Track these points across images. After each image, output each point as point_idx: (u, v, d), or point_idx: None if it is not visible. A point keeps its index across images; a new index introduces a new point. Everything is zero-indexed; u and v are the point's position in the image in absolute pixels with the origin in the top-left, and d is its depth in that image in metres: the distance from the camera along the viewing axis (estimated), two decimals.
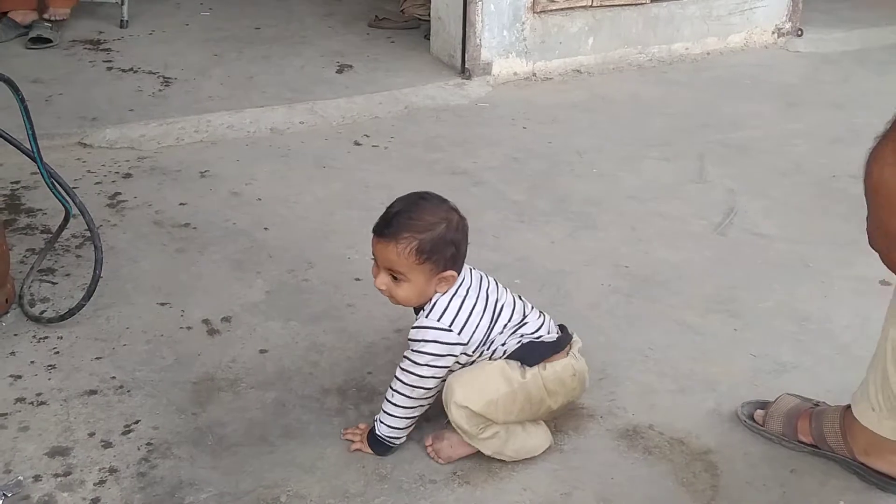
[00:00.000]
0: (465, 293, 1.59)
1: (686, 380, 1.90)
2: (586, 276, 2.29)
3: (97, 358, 1.89)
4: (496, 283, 1.67)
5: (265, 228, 2.46)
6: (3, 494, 1.52)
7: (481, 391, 1.56)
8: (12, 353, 1.90)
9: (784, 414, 1.71)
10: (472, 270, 1.66)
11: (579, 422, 1.76)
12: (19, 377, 1.83)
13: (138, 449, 1.64)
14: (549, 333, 1.65)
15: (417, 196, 1.60)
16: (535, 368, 1.61)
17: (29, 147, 1.92)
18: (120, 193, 2.61)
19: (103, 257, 2.00)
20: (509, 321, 1.62)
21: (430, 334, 1.57)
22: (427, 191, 1.63)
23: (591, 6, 3.74)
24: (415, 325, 1.60)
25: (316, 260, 2.31)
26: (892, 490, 1.60)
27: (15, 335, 1.96)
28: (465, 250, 1.60)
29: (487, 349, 1.61)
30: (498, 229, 2.50)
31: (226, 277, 2.22)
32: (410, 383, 1.58)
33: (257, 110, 3.21)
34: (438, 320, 1.57)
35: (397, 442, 1.64)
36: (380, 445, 1.63)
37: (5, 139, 1.95)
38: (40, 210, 2.49)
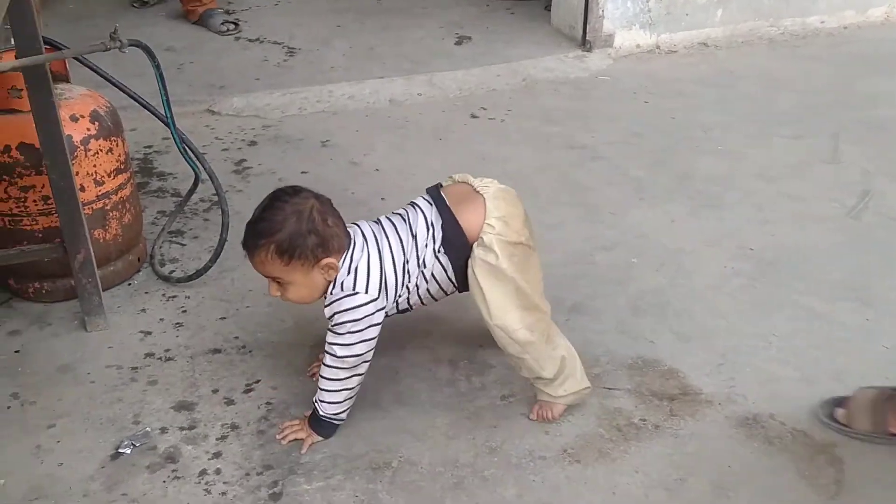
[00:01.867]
0: (359, 256, 1.55)
1: (811, 369, 1.81)
2: (707, 256, 2.21)
3: (221, 318, 1.97)
4: (390, 225, 1.61)
5: (382, 199, 2.48)
6: (132, 444, 1.61)
7: (496, 306, 1.55)
8: (143, 310, 2.00)
9: (869, 409, 1.61)
10: (364, 228, 1.61)
11: (696, 407, 1.71)
12: (149, 333, 1.92)
13: (258, 407, 1.70)
14: (433, 216, 1.60)
15: (269, 197, 1.55)
16: (478, 241, 1.56)
17: (163, 113, 2.01)
18: (245, 160, 2.70)
19: (230, 221, 2.07)
20: (407, 253, 1.58)
21: (342, 304, 1.53)
22: (280, 187, 1.57)
23: None
24: (325, 303, 1.56)
25: None
26: None
27: (146, 293, 2.07)
28: (336, 228, 1.54)
29: (410, 282, 1.59)
30: (616, 205, 2.45)
31: None
32: (339, 355, 1.54)
33: (377, 81, 3.25)
34: (342, 289, 1.53)
35: (341, 418, 1.61)
36: (325, 426, 1.60)
37: (141, 105, 2.04)
38: (171, 174, 2.60)
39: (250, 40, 3.66)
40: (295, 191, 1.55)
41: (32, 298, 2.02)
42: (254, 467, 1.56)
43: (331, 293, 1.55)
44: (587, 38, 3.51)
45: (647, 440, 1.62)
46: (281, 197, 1.53)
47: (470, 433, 1.65)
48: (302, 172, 2.63)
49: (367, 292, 1.53)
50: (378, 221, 1.64)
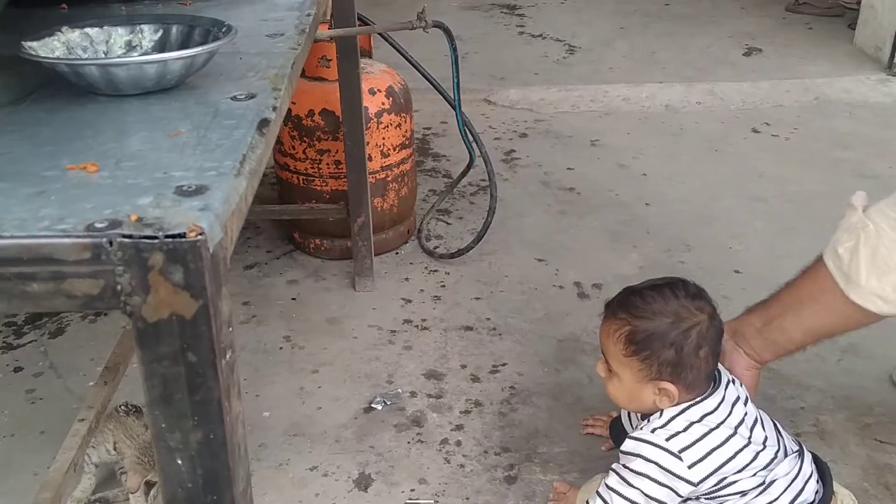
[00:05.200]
0: (713, 425, 1.24)
1: None
2: None
3: (476, 298, 2.03)
4: (755, 415, 1.30)
5: (646, 204, 2.43)
6: (384, 401, 1.70)
7: None
8: (406, 279, 2.11)
9: None
10: (730, 390, 1.29)
11: None
12: (409, 301, 2.02)
13: (502, 390, 1.73)
14: (801, 482, 1.27)
15: (665, 280, 1.32)
16: None
17: (451, 95, 2.09)
18: (514, 151, 2.76)
19: (496, 206, 2.12)
20: (752, 462, 1.25)
21: (653, 453, 1.23)
22: (685, 279, 1.32)
23: None
24: (633, 434, 1.28)
25: (695, 244, 2.23)
26: None
27: (410, 264, 2.17)
28: (703, 364, 1.25)
29: (718, 490, 1.26)
30: None
31: (602, 245, 2.24)
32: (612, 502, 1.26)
33: (655, 86, 3.18)
34: (667, 440, 1.23)
35: None
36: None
37: (433, 85, 2.14)
38: (444, 156, 2.72)
39: (533, 35, 3.72)
40: (696, 293, 1.29)
41: (312, 253, 2.20)
42: (492, 447, 1.59)
43: (645, 422, 1.29)
44: (895, 61, 3.19)
45: None
46: (676, 287, 1.29)
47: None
48: (568, 168, 2.63)
49: (679, 455, 1.23)
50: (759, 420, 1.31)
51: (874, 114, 2.99)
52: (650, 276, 2.06)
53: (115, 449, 1.42)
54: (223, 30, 0.93)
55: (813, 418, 1.64)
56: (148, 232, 0.57)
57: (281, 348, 1.87)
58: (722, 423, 1.25)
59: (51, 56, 0.89)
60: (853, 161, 2.65)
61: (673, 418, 1.25)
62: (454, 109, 2.10)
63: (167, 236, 0.57)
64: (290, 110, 2.05)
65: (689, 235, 2.27)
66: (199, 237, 0.57)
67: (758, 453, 1.25)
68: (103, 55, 0.95)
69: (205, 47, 0.87)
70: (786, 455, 1.29)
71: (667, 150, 2.75)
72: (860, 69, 3.28)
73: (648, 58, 3.44)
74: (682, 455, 1.22)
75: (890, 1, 3.21)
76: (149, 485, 1.40)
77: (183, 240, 0.57)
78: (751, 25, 3.74)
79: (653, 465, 1.23)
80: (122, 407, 1.45)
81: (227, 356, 0.62)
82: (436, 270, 2.14)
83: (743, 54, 3.46)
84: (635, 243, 2.24)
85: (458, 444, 1.59)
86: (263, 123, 0.77)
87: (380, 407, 1.69)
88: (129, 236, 0.57)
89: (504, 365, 1.80)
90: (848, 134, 2.83)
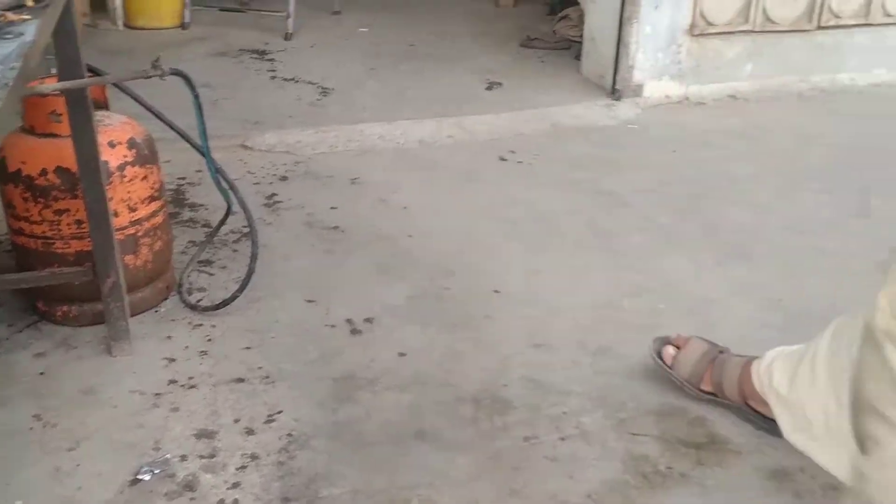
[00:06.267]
0: None
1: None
2: (735, 306, 2.19)
3: (246, 348, 1.97)
4: None
5: (409, 236, 2.49)
6: (152, 470, 1.60)
7: None
8: (168, 337, 2.00)
9: (694, 362, 1.78)
10: None
11: (724, 456, 1.67)
12: (173, 360, 1.92)
13: (279, 438, 1.69)
14: None
15: None
16: None
17: (199, 143, 2.04)
18: (276, 194, 2.73)
19: (258, 252, 2.09)
20: None
21: None
22: None
23: (752, 31, 3.61)
24: None
25: (457, 269, 2.32)
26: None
27: (172, 320, 2.07)
28: None
29: None
30: (643, 252, 2.44)
31: (370, 280, 2.26)
32: None
33: (407, 123, 3.28)
34: None
35: None
36: None
37: (178, 133, 2.08)
38: (202, 205, 2.63)
39: (286, 79, 3.72)
40: None
41: (59, 321, 2.03)
42: (272, 499, 1.54)
43: None
44: (617, 87, 3.54)
45: (673, 488, 1.59)
46: None
47: (491, 474, 1.62)
48: (331, 208, 2.64)
49: None
50: None
51: (604, 136, 3.29)
52: (419, 305, 2.14)
53: None
54: None
55: (575, 421, 1.75)
56: None
57: (31, 428, 1.70)
58: None
59: None
60: (589, 180, 2.89)
61: None
62: (203, 156, 2.05)
63: None
64: (19, 171, 1.89)
65: (451, 262, 2.36)
66: None
67: None
68: None
69: None
70: None
71: (424, 183, 2.85)
72: (588, 96, 3.60)
73: (399, 96, 3.56)
74: None
75: (608, 33, 3.56)
76: None
77: None
78: (490, 62, 3.99)
79: None
80: None
81: None
82: (200, 325, 2.05)
83: (485, 88, 3.68)
84: (402, 274, 2.29)
85: (236, 502, 1.53)
86: None
87: (147, 477, 1.58)
88: None
89: (279, 413, 1.76)
90: (583, 156, 3.09)
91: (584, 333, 2.05)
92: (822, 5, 3.65)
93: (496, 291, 2.22)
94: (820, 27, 3.68)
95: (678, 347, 1.84)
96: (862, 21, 3.74)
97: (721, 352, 1.80)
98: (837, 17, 3.69)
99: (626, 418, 1.76)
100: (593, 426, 1.74)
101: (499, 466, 1.64)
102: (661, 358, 1.83)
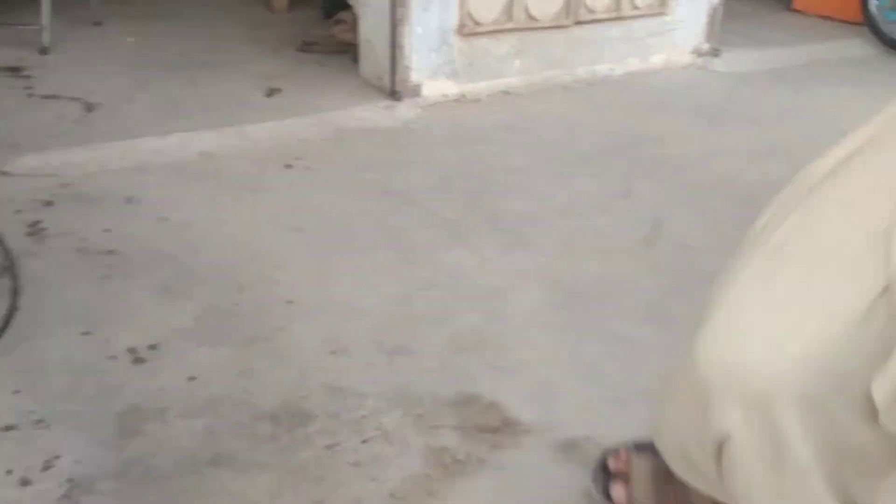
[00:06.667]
0: None
1: (621, 390, 1.91)
2: (520, 291, 2.30)
3: (15, 392, 1.81)
4: None
5: (194, 253, 2.40)
6: None
7: None
8: None
9: (651, 490, 1.46)
10: None
11: (518, 437, 1.75)
12: None
13: (59, 486, 1.57)
14: None
15: None
16: None
17: None
18: (40, 221, 2.52)
19: (22, 287, 1.92)
20: None
21: None
22: None
23: (517, 29, 3.79)
24: None
25: (247, 283, 2.26)
26: None
27: None
28: None
29: None
30: (430, 248, 2.50)
31: (153, 304, 2.15)
32: None
33: (185, 135, 3.15)
34: None
35: None
36: None
37: None
38: None
39: (44, 97, 3.45)
40: None
41: None
42: None
43: None
44: (396, 88, 3.59)
45: (472, 475, 1.64)
46: None
47: (293, 488, 1.60)
48: (105, 231, 2.49)
49: None
50: None
51: (387, 137, 3.33)
52: (209, 325, 2.06)
53: None
54: None
55: (376, 423, 1.77)
56: None
57: None
58: None
59: None
60: (377, 181, 2.92)
61: None
62: None
63: None
64: None
65: (240, 276, 2.29)
66: None
67: None
68: None
69: None
70: None
71: (206, 196, 2.75)
72: (369, 99, 3.62)
73: (173, 107, 3.41)
74: None
75: (382, 35, 3.60)
76: None
77: None
78: (268, 67, 3.91)
79: None
80: None
81: None
82: None
83: (265, 95, 3.61)
84: (188, 294, 2.20)
85: None
86: None
87: None
88: None
89: (58, 458, 1.63)
90: (368, 158, 3.11)
91: (379, 334, 2.07)
92: (577, 2, 3.90)
93: (289, 302, 2.19)
94: (577, 22, 3.93)
95: (622, 475, 1.50)
96: (614, 15, 4.04)
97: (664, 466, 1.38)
98: (592, 12, 3.96)
99: (424, 413, 1.80)
100: (393, 425, 1.76)
101: (301, 479, 1.62)
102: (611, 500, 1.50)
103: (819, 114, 3.76)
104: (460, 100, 3.72)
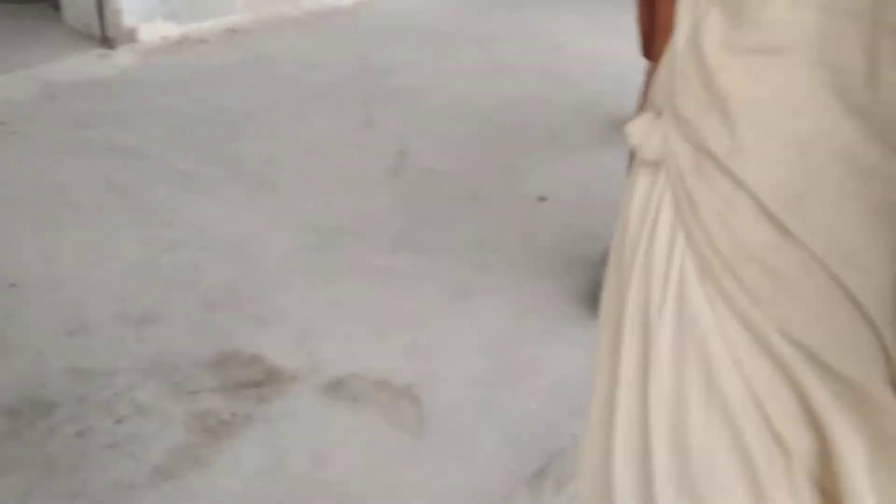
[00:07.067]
0: None
1: (382, 321, 1.93)
2: (271, 237, 2.24)
3: None
4: None
5: None
6: None
7: None
8: None
9: None
10: None
11: (284, 386, 1.72)
12: None
13: None
14: None
15: None
16: None
17: None
18: None
19: None
20: None
21: None
22: None
23: None
24: None
25: None
26: None
27: None
28: None
29: None
30: (170, 203, 2.35)
31: None
32: None
33: None
34: None
35: None
36: None
37: None
38: None
39: None
40: None
41: None
42: None
43: None
44: (107, 34, 3.30)
45: (239, 433, 1.59)
46: None
47: (45, 485, 1.47)
48: None
49: None
50: None
51: (106, 89, 3.06)
52: None
53: None
54: None
55: (128, 399, 1.66)
56: None
57: None
58: None
59: None
60: (100, 138, 2.69)
61: None
62: None
63: None
64: None
65: None
66: None
67: None
68: None
69: None
70: None
71: None
72: (79, 48, 3.30)
73: None
74: None
75: None
76: None
77: None
78: None
79: None
80: None
81: None
82: None
83: None
84: None
85: None
86: None
87: None
88: None
89: None
90: (87, 113, 2.85)
91: (122, 305, 1.93)
92: None
93: (12, 285, 1.98)
94: None
95: None
96: None
97: None
98: None
99: (182, 379, 1.71)
100: (148, 398, 1.66)
101: (52, 474, 1.49)
102: None
103: (536, 31, 3.95)
104: (183, 42, 3.49)
